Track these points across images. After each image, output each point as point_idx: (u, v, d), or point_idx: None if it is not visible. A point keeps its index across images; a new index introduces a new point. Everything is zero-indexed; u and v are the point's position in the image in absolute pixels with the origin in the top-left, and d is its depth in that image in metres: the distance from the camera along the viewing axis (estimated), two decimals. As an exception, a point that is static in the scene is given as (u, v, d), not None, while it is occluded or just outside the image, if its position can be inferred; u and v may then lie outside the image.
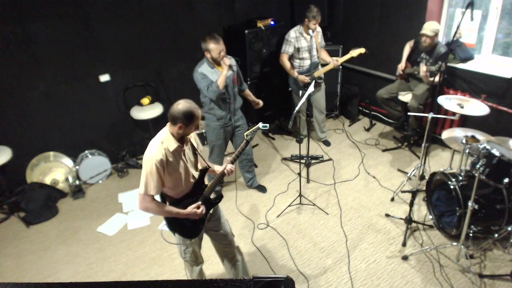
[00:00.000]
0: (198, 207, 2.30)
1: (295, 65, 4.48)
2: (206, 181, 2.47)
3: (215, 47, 3.28)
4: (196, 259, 2.62)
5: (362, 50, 4.24)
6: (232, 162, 2.39)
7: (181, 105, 2.15)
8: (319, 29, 4.42)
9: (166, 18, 4.53)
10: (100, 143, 4.58)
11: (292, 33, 4.34)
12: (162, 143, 2.16)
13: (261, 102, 3.84)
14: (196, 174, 2.37)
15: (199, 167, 2.43)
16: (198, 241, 2.57)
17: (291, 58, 4.46)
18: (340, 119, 5.62)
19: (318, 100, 4.68)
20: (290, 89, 4.72)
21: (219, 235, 2.60)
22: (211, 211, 2.48)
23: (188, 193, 2.35)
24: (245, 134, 2.42)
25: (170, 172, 2.19)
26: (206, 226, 2.49)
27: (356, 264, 3.14)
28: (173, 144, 2.18)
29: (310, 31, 4.13)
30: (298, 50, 4.38)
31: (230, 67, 3.37)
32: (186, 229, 2.39)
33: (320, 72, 4.43)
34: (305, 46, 4.35)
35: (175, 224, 2.37)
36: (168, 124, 2.21)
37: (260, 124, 2.47)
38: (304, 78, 4.35)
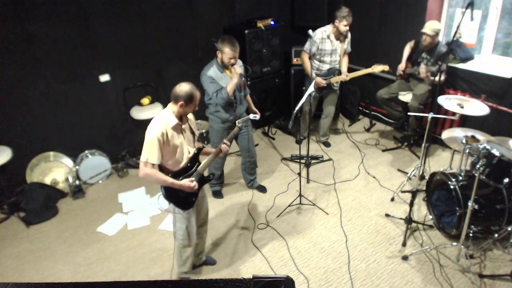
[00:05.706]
0: (191, 181, 2.55)
1: (313, 66, 4.38)
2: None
3: (229, 52, 3.22)
4: (188, 239, 2.75)
5: (386, 68, 4.15)
6: (226, 143, 2.73)
7: (183, 86, 2.44)
8: (349, 34, 4.32)
9: (166, 18, 4.53)
10: (100, 143, 4.58)
11: (319, 34, 4.23)
12: (162, 119, 2.43)
13: (258, 114, 3.78)
14: (192, 151, 2.64)
15: (196, 145, 2.70)
16: (191, 220, 2.72)
17: (310, 57, 4.35)
18: (340, 119, 5.62)
19: (329, 105, 4.65)
20: (304, 88, 4.57)
21: (201, 212, 2.90)
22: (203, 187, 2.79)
23: (184, 168, 2.61)
24: (237, 122, 2.88)
25: (169, 145, 2.46)
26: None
27: (356, 264, 3.14)
28: (173, 121, 2.46)
29: (340, 38, 4.03)
30: (320, 52, 4.29)
31: (240, 75, 3.30)
32: (180, 200, 2.62)
33: (334, 79, 4.37)
34: (328, 49, 4.27)
35: (171, 193, 2.59)
36: (170, 103, 2.49)
37: (251, 115, 3.06)
38: (321, 81, 4.30)
